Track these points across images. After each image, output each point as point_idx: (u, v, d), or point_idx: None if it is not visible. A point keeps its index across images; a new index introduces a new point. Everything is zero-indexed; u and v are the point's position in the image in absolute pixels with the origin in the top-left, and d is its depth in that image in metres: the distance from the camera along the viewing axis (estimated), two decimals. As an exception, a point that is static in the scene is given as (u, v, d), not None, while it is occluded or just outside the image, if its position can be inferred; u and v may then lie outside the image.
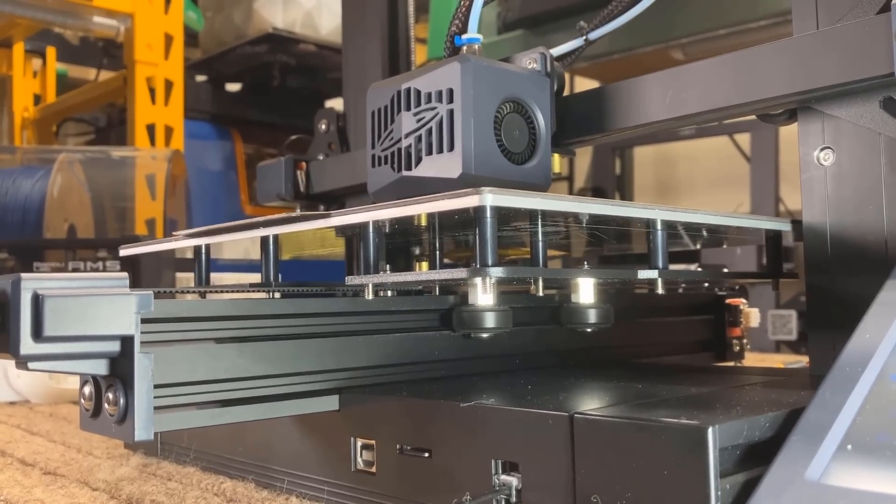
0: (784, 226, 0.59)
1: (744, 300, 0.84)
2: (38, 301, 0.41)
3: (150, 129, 1.86)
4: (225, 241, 0.59)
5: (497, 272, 0.44)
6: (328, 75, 2.25)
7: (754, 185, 2.45)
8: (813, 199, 0.56)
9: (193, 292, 0.65)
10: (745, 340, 0.84)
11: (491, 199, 0.41)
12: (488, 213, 0.43)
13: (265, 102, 2.24)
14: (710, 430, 0.34)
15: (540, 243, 0.52)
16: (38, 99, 2.41)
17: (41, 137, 2.34)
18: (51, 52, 2.42)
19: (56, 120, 2.33)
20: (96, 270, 1.31)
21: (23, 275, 0.42)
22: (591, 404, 0.43)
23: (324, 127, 0.94)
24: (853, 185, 0.54)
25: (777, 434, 0.38)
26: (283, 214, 0.53)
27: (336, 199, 0.93)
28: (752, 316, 0.84)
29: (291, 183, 0.91)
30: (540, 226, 0.49)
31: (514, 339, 0.63)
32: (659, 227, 0.51)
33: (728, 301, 0.83)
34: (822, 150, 0.56)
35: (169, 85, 1.91)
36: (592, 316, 0.63)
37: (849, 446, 0.35)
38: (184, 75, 1.98)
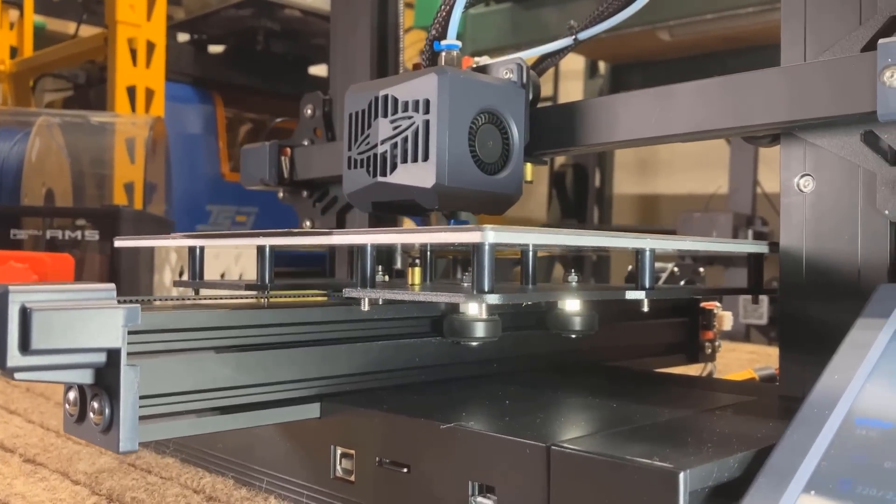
0: (762, 248, 0.60)
1: (717, 303, 0.86)
2: (25, 314, 0.42)
3: (131, 92, 1.84)
4: (221, 245, 0.59)
5: (493, 299, 0.44)
6: (313, 41, 2.22)
7: (733, 166, 2.47)
8: (791, 224, 0.58)
9: (191, 285, 0.65)
10: (717, 343, 0.86)
11: (493, 236, 0.42)
12: (487, 248, 0.44)
13: (248, 66, 2.22)
14: (681, 475, 0.36)
15: (530, 264, 0.53)
16: (14, 52, 2.37)
17: (17, 92, 2.31)
18: (28, 3, 2.37)
19: (33, 75, 2.29)
20: (74, 239, 1.31)
21: (10, 287, 0.42)
22: (567, 431, 0.45)
23: (309, 112, 0.94)
24: (831, 213, 0.56)
25: (745, 473, 0.40)
26: (285, 230, 0.54)
27: (320, 186, 0.93)
28: (726, 319, 0.86)
29: (275, 168, 0.91)
30: (531, 249, 0.50)
31: (498, 344, 0.64)
32: (647, 253, 0.52)
33: (702, 304, 0.85)
34: (802, 176, 0.57)
35: (151, 47, 1.89)
36: (579, 324, 0.65)
37: (812, 491, 0.37)
38: (166, 35, 1.95)
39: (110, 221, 1.29)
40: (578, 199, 2.84)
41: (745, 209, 2.33)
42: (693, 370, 0.91)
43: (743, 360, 1.30)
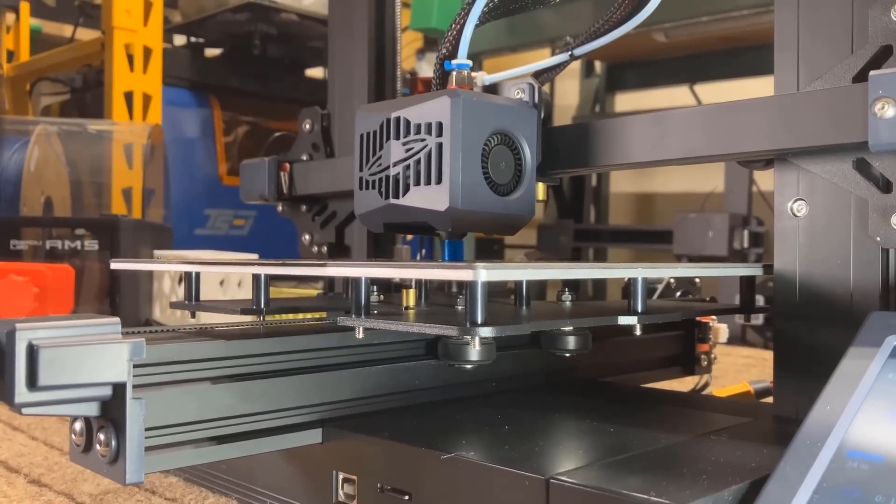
0: (756, 271, 0.61)
1: (713, 316, 0.87)
2: (32, 352, 0.42)
3: (128, 97, 1.84)
4: (217, 271, 0.60)
5: (486, 332, 0.45)
6: (309, 44, 2.23)
7: (729, 166, 2.48)
8: (785, 247, 0.58)
9: (187, 308, 0.66)
10: (712, 355, 0.87)
11: (484, 275, 0.43)
12: (479, 285, 0.45)
13: (245, 70, 2.22)
14: (677, 512, 0.37)
15: (524, 289, 0.53)
16: (10, 55, 2.37)
17: (14, 95, 2.31)
18: (24, 7, 2.37)
19: (30, 79, 2.29)
20: (74, 249, 1.31)
21: (17, 325, 0.43)
22: (566, 461, 0.45)
23: (308, 127, 0.94)
24: (823, 238, 0.56)
25: (739, 506, 0.41)
26: (280, 260, 0.54)
27: (319, 201, 0.93)
28: (721, 332, 0.87)
29: (275, 184, 0.92)
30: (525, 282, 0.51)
31: (497, 364, 0.65)
32: (639, 281, 0.53)
33: (698, 318, 0.86)
34: (795, 201, 0.58)
35: (148, 52, 1.89)
36: (572, 343, 0.66)
37: (804, 526, 0.38)
38: (162, 39, 1.95)
39: (109, 231, 1.29)
40: (575, 198, 2.85)
41: (740, 209, 2.34)
42: (689, 381, 0.93)
43: (739, 366, 1.31)
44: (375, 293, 0.67)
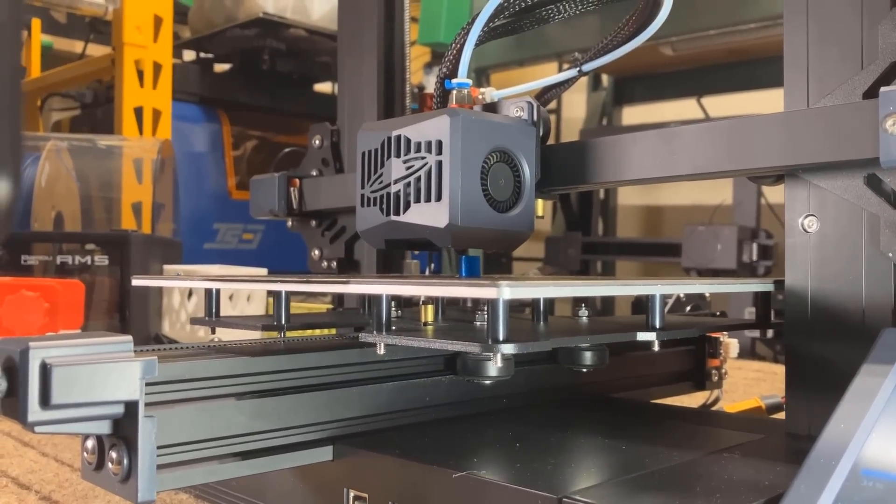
0: (768, 287, 0.61)
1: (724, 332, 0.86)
2: (45, 370, 0.42)
3: (138, 113, 1.86)
4: (238, 288, 0.60)
5: (509, 349, 0.45)
6: (318, 59, 2.24)
7: (738, 178, 2.48)
8: (796, 263, 0.58)
9: (208, 324, 0.66)
10: (723, 370, 0.87)
11: (508, 292, 0.43)
12: (501, 303, 0.45)
13: (254, 85, 2.23)
14: (691, 533, 0.37)
15: (542, 306, 0.54)
16: (21, 71, 2.38)
17: (26, 112, 2.32)
18: (36, 24, 2.39)
19: (41, 95, 2.31)
20: (84, 264, 1.32)
21: (31, 344, 0.43)
22: (578, 479, 0.45)
23: (317, 142, 0.95)
24: (835, 253, 0.56)
25: (753, 526, 0.41)
26: (302, 276, 0.55)
27: (328, 216, 0.94)
28: (732, 347, 0.87)
29: (284, 200, 0.92)
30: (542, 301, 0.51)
31: (508, 380, 0.65)
32: (657, 298, 0.53)
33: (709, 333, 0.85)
34: (806, 217, 0.58)
35: (157, 68, 1.90)
36: (589, 358, 0.66)
37: (819, 547, 0.37)
38: (172, 54, 1.96)
39: (119, 246, 1.30)
40: (583, 210, 2.85)
41: (749, 222, 2.34)
42: (699, 396, 0.92)
43: (749, 380, 1.30)
44: (394, 309, 0.67)
